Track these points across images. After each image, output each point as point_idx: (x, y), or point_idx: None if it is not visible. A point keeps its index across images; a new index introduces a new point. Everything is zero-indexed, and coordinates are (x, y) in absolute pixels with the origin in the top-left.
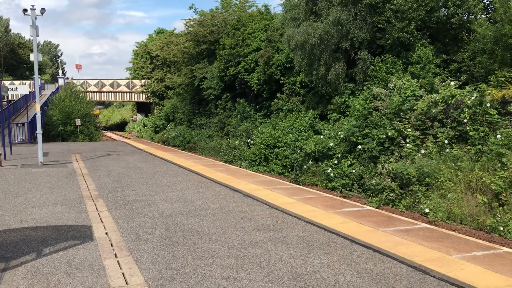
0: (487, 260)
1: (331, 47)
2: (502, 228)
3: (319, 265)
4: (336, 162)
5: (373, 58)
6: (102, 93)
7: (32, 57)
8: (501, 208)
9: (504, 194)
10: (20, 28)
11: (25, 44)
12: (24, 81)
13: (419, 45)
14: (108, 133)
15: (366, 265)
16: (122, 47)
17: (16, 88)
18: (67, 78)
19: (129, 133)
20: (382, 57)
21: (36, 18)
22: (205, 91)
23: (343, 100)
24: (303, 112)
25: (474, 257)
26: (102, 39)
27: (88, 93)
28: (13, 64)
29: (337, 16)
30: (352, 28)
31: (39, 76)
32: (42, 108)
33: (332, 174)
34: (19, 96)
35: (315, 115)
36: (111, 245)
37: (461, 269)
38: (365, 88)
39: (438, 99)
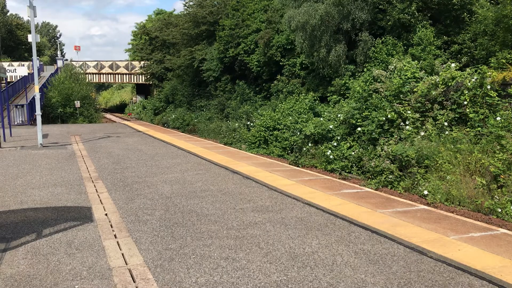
0: (484, 241)
1: (332, 28)
2: (500, 210)
3: (317, 246)
4: (335, 144)
5: (374, 39)
6: (101, 75)
7: (30, 38)
8: (499, 190)
9: (502, 176)
10: (18, 8)
11: (23, 25)
12: (22, 63)
13: (420, 26)
14: (108, 115)
15: (363, 246)
16: (122, 28)
17: (15, 69)
18: (66, 60)
19: (129, 115)
20: (383, 38)
21: None
22: (205, 73)
23: (343, 82)
24: (303, 94)
25: (471, 238)
26: (102, 20)
27: (87, 75)
28: (11, 46)
29: None
30: (353, 9)
31: (38, 57)
32: (41, 89)
33: (331, 156)
34: (18, 78)
35: (316, 97)
36: (111, 226)
37: (458, 250)
38: (365, 70)
39: (438, 81)
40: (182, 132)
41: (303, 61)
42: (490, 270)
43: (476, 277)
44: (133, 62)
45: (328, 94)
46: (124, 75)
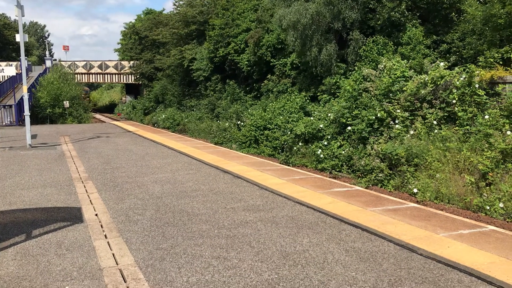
0: (473, 238)
1: (323, 28)
2: (488, 207)
3: (308, 244)
4: (325, 143)
5: (365, 38)
6: (91, 75)
7: (18, 37)
8: (487, 187)
9: (491, 174)
10: (7, 8)
11: (10, 24)
12: (10, 63)
13: (410, 25)
14: (97, 115)
15: (354, 244)
16: (112, 28)
17: (3, 69)
18: (55, 60)
19: (118, 115)
20: (374, 37)
21: None
22: (195, 73)
23: (334, 81)
24: (295, 93)
25: (460, 235)
26: (93, 20)
27: (76, 75)
28: None
29: None
30: (344, 8)
31: (26, 57)
32: (29, 90)
33: (321, 156)
34: (6, 78)
35: (307, 97)
36: (101, 226)
37: (447, 247)
38: (356, 68)
39: (427, 80)
40: (172, 132)
41: (294, 61)
42: (479, 267)
43: (465, 274)
44: (122, 62)
45: (319, 94)
46: (114, 75)
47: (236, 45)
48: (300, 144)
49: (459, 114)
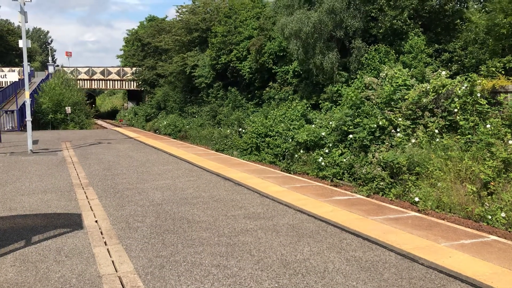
0: (474, 248)
1: (325, 36)
2: (490, 217)
3: (308, 253)
4: (327, 151)
5: (367, 46)
6: (93, 81)
7: (21, 43)
8: (489, 197)
9: (492, 183)
10: (8, 14)
11: (14, 30)
12: (13, 68)
13: (412, 34)
14: (99, 121)
15: (355, 253)
16: (116, 34)
17: (5, 75)
18: (57, 66)
19: (120, 121)
20: (376, 46)
21: (24, 4)
22: (197, 79)
23: (336, 89)
24: (297, 101)
25: (462, 245)
26: (96, 26)
27: (78, 81)
28: (2, 51)
29: (331, 4)
30: (346, 17)
31: (29, 63)
32: (31, 95)
33: (323, 163)
34: (8, 84)
35: (308, 105)
36: (101, 233)
37: (449, 257)
38: (358, 76)
39: (429, 88)
40: (174, 138)
41: (296, 69)
42: (480, 277)
43: (467, 284)
44: (124, 68)
45: (321, 102)
46: (116, 81)
47: (238, 53)
48: (301, 151)
49: (461, 123)
